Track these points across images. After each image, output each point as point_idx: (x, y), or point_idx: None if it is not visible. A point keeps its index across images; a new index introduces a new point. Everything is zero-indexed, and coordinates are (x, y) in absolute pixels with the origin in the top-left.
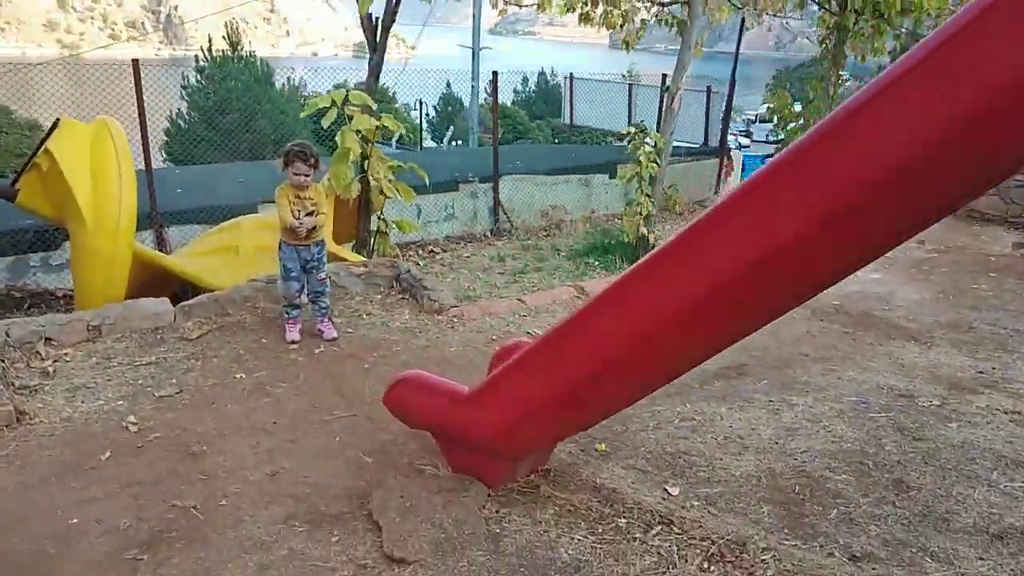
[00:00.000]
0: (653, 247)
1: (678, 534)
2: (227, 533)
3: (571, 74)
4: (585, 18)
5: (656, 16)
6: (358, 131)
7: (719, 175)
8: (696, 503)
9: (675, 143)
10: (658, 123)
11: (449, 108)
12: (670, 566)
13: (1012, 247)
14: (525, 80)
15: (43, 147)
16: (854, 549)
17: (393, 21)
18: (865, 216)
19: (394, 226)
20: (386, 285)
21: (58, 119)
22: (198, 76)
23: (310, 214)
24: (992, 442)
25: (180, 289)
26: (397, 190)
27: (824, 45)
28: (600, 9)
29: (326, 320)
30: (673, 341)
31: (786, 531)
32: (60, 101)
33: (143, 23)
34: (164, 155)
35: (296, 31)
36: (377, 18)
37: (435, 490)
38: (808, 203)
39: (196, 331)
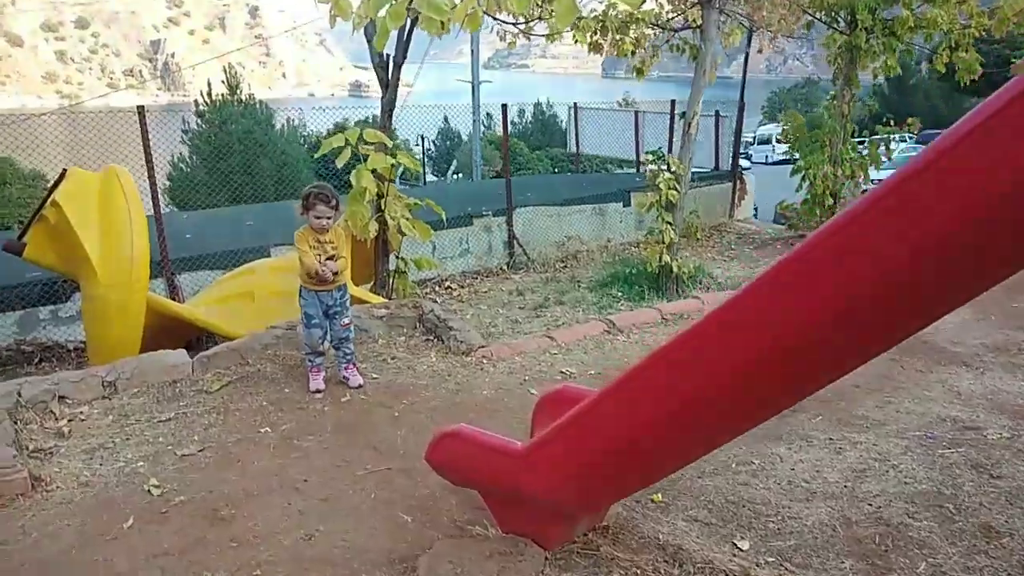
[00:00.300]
0: (676, 275)
1: None
2: None
3: (575, 104)
4: (595, 47)
5: (668, 42)
6: (374, 170)
7: (733, 198)
8: (771, 559)
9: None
10: (669, 149)
11: (448, 142)
12: None
13: None
14: (522, 112)
15: (50, 198)
16: None
17: (405, 57)
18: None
19: (412, 264)
20: (409, 326)
21: (65, 169)
22: (199, 120)
23: (331, 258)
24: None
25: (195, 337)
26: (414, 228)
27: (836, 64)
28: (609, 38)
29: (351, 367)
30: (757, 391)
31: None
32: (62, 150)
33: (140, 71)
34: (167, 199)
35: (292, 72)
36: (389, 55)
37: (487, 554)
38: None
39: (216, 383)
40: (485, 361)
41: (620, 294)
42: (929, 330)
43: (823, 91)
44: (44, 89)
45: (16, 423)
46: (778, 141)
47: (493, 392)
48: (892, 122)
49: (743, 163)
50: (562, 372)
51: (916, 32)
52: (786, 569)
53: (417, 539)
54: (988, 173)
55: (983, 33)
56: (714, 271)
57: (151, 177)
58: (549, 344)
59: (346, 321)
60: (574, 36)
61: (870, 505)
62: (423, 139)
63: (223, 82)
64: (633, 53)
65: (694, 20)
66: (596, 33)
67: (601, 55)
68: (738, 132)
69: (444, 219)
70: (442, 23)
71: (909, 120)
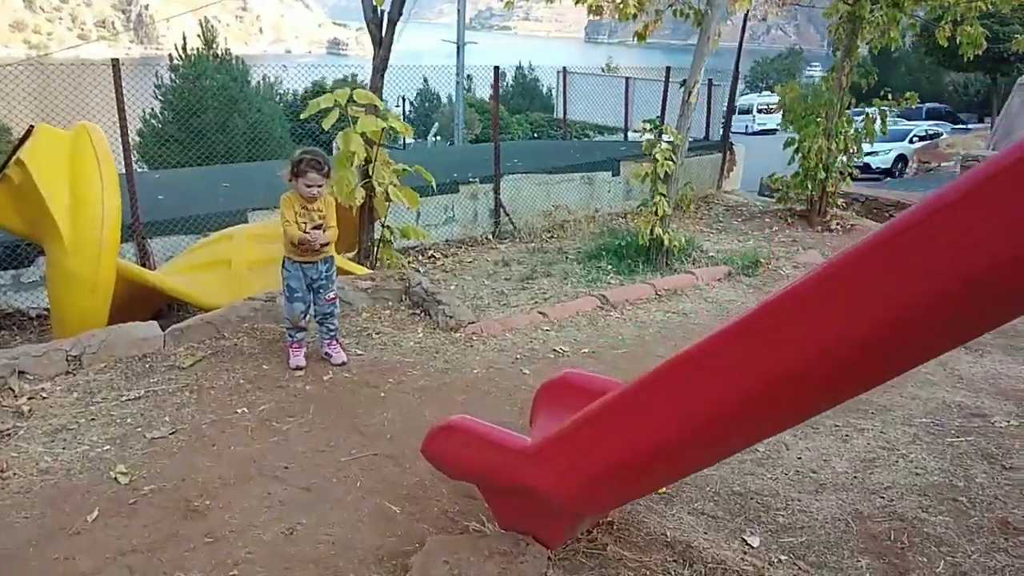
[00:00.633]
0: (667, 248)
1: None
2: None
3: (564, 68)
4: (596, 9)
5: (671, 6)
6: (362, 133)
7: (722, 169)
8: (783, 557)
9: None
10: (662, 117)
11: (427, 104)
12: None
13: None
14: (503, 75)
15: (15, 157)
16: None
17: (400, 14)
18: None
19: (398, 233)
20: (395, 300)
21: (32, 126)
22: (172, 75)
23: (318, 227)
24: None
25: (166, 306)
26: (402, 195)
27: (837, 34)
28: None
29: (334, 343)
30: (785, 400)
31: None
32: (29, 103)
33: (113, 22)
34: (137, 155)
35: (269, 28)
36: (383, 11)
37: (485, 553)
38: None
39: (189, 358)
40: (475, 338)
41: (609, 267)
42: None
43: (806, 61)
44: (11, 38)
45: None
46: (759, 111)
47: (484, 371)
48: (889, 95)
49: None
50: (555, 350)
51: (920, 4)
52: (800, 568)
53: (407, 533)
54: None
55: (990, 6)
56: (704, 244)
57: (124, 135)
58: (541, 320)
59: (331, 295)
60: None
61: (881, 498)
62: (403, 100)
63: (198, 36)
64: (635, 17)
65: None
66: None
67: (601, 18)
68: (731, 101)
69: (434, 186)
70: None
71: (907, 94)
